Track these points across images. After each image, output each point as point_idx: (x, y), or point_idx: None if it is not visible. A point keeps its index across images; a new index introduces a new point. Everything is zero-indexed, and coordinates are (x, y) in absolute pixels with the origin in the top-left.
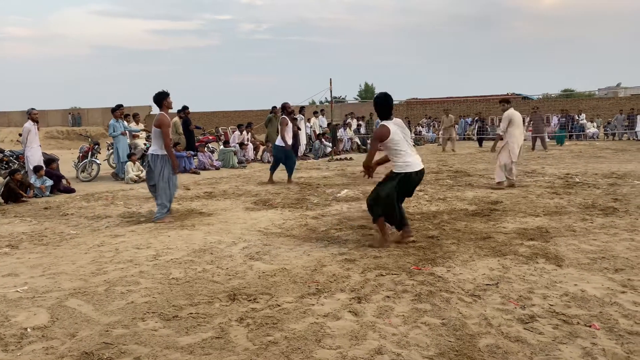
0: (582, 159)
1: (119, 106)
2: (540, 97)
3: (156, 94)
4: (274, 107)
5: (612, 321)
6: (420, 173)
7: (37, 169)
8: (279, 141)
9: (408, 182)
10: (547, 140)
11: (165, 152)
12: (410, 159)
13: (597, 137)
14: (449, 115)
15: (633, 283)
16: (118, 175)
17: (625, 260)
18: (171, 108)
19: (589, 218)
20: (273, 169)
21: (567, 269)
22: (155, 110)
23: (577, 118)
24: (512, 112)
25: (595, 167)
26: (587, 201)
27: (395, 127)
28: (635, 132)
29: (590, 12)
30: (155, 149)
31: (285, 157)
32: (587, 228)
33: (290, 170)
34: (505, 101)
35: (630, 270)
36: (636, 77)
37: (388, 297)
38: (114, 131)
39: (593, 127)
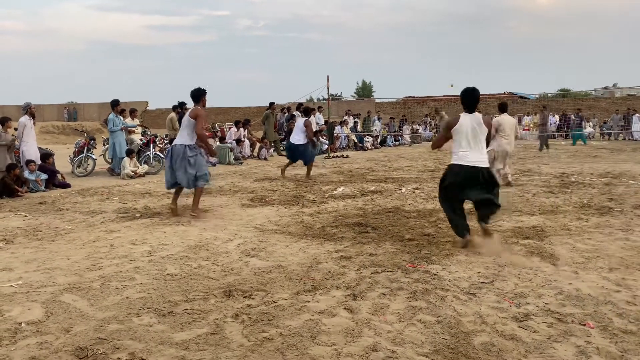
0: (578, 158)
1: (118, 101)
2: (537, 96)
3: (195, 90)
4: (272, 104)
5: (607, 320)
6: (469, 169)
7: (27, 163)
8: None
9: (452, 175)
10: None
11: (193, 143)
12: (462, 153)
13: (593, 137)
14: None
15: (627, 282)
16: (114, 170)
17: (620, 260)
18: (205, 106)
19: (584, 217)
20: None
21: (562, 268)
22: (153, 105)
23: (574, 117)
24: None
25: (591, 166)
26: (582, 200)
27: (469, 120)
28: (631, 132)
29: (587, 11)
30: (185, 140)
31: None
32: (582, 227)
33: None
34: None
35: (624, 269)
36: (633, 77)
37: (383, 294)
38: (113, 126)
39: (589, 126)
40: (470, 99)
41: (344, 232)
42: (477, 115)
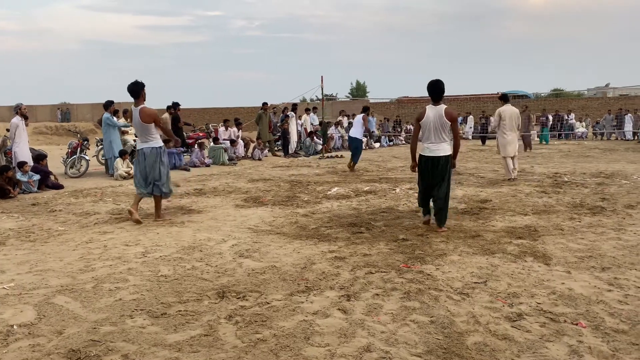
0: (570, 158)
1: (112, 102)
2: (534, 96)
3: (133, 84)
4: (265, 104)
5: (599, 319)
6: (430, 158)
7: (20, 165)
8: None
9: (421, 163)
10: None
11: (159, 145)
12: (426, 145)
13: (586, 137)
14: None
15: (619, 281)
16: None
17: (612, 259)
18: (145, 100)
19: (577, 217)
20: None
21: (554, 268)
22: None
23: (567, 118)
24: (503, 109)
25: (584, 166)
26: (575, 200)
27: (432, 113)
28: (624, 132)
29: (580, 12)
30: (153, 142)
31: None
32: (575, 227)
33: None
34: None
35: (616, 269)
36: (625, 77)
37: (377, 294)
38: (109, 123)
39: (582, 126)
40: (435, 90)
41: (338, 232)
42: (441, 107)
